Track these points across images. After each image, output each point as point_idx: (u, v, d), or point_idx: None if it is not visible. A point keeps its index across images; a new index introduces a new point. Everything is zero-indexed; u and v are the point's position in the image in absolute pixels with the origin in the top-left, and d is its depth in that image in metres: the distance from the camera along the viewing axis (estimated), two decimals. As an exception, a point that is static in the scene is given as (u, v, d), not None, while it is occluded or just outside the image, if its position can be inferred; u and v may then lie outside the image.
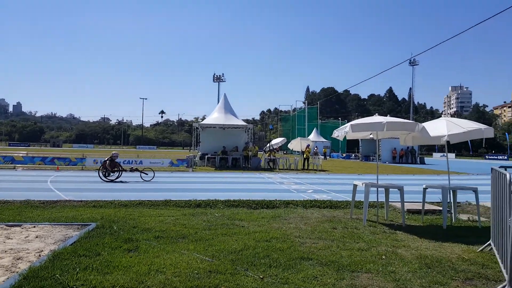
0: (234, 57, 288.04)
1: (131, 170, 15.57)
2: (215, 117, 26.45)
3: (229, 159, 24.83)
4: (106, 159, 15.17)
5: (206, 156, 25.24)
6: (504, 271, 4.12)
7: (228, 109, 26.80)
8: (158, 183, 14.25)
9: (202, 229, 6.29)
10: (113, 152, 16.08)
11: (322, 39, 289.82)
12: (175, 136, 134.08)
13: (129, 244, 5.16)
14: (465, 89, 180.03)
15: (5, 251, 4.76)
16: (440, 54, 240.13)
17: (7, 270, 4.07)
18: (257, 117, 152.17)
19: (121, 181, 14.39)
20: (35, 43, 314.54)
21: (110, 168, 14.69)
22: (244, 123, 26.55)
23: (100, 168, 14.89)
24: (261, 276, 4.09)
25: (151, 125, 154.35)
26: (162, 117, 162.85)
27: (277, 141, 31.42)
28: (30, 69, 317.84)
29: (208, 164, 24.90)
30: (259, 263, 4.54)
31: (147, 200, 9.03)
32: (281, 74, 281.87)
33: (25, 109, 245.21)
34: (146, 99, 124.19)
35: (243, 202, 9.08)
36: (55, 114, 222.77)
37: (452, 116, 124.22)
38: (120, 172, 15.03)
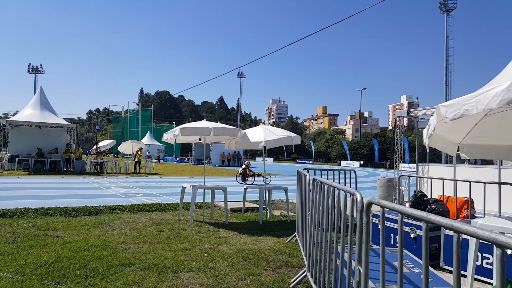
0: (56, 47, 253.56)
1: (258, 175, 20.37)
2: (28, 113, 22.63)
3: (47, 162, 21.82)
4: (244, 167, 19.29)
5: (17, 159, 21.56)
6: (304, 258, 4.82)
7: (45, 105, 23.34)
8: None
9: (5, 242, 5.35)
10: (246, 161, 20.78)
11: (157, 41, 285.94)
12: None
13: None
14: (283, 103, 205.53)
15: None
16: (264, 69, 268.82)
17: None
18: (84, 117, 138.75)
19: None
20: None
21: (251, 173, 19.07)
22: (66, 122, 23.72)
23: (239, 175, 18.92)
24: (75, 289, 3.74)
25: None
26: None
27: (105, 143, 29.34)
28: None
29: (20, 168, 21.36)
30: (73, 274, 4.14)
31: None
32: (113, 72, 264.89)
33: None
34: None
35: (60, 209, 8.12)
36: None
37: (271, 125, 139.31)
38: (254, 177, 19.10)
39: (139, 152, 25.58)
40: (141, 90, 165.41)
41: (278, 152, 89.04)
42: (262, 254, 5.36)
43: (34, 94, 25.26)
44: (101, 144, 28.18)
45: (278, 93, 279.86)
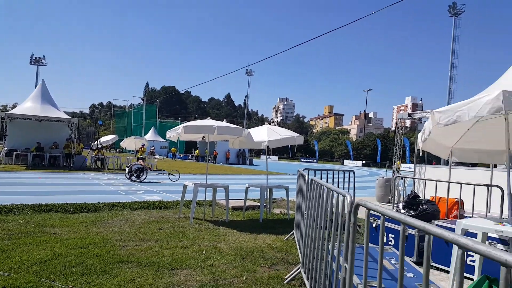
0: (59, 39, 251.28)
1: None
2: (28, 106, 22.40)
3: (46, 157, 21.76)
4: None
5: (15, 153, 21.45)
6: (300, 255, 4.82)
7: (47, 98, 23.14)
8: None
9: (0, 239, 5.34)
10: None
11: (165, 37, 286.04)
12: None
13: None
14: (290, 101, 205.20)
15: None
16: (272, 68, 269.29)
17: None
18: (87, 111, 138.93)
19: None
20: None
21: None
22: (67, 116, 23.62)
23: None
24: (70, 286, 3.73)
25: None
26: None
27: (107, 138, 29.31)
28: None
29: (17, 162, 21.25)
30: (69, 272, 4.13)
31: None
32: (118, 66, 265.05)
33: None
34: None
35: (58, 206, 8.11)
36: None
37: (278, 123, 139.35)
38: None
39: (142, 149, 25.59)
40: (147, 85, 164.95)
41: (283, 151, 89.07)
42: (260, 252, 5.38)
43: (36, 87, 25.15)
44: (103, 139, 28.17)
45: (286, 92, 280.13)
